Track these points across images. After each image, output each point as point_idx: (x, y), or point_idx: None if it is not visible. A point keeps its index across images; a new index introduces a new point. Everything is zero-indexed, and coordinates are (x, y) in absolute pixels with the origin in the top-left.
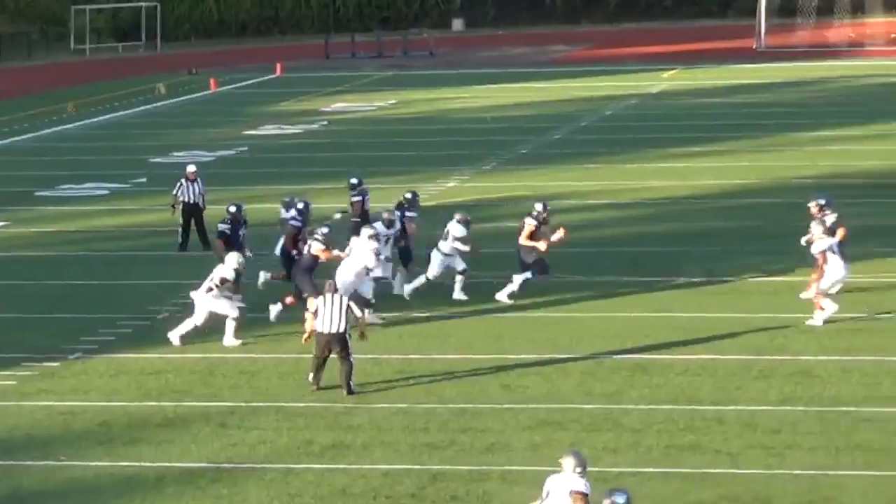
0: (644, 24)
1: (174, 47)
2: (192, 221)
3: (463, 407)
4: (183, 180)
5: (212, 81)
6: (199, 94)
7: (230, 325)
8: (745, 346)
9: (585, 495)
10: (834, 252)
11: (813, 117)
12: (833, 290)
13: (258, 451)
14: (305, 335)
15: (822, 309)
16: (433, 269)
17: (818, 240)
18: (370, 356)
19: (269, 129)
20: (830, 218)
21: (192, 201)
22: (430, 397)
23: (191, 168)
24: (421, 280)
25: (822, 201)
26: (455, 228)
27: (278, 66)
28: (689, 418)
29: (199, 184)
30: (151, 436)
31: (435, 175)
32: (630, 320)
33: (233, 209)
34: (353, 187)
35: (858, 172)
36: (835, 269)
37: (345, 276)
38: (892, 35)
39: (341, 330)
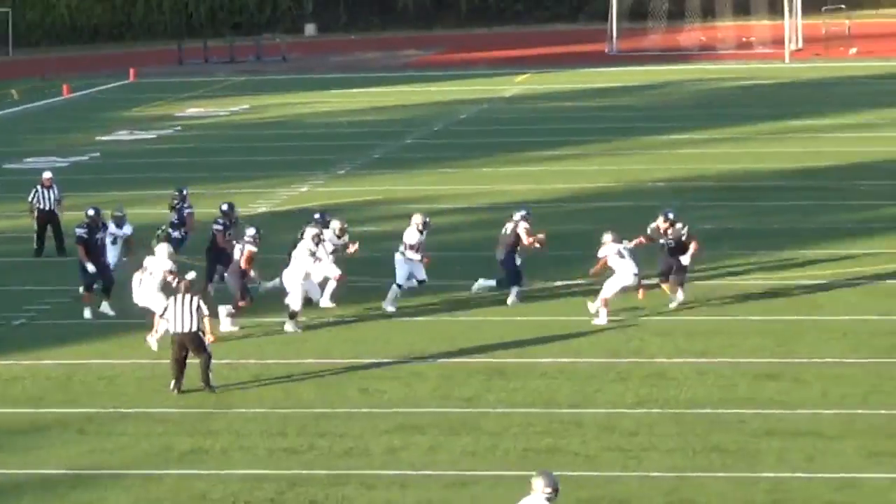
0: (496, 28)
1: (26, 53)
2: (49, 227)
3: (321, 411)
4: (38, 186)
5: (65, 87)
6: (52, 100)
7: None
8: (602, 348)
9: None
10: (623, 257)
11: (665, 120)
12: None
13: (117, 458)
14: (157, 335)
15: (602, 308)
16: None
17: (605, 245)
18: (227, 361)
19: (122, 135)
20: (680, 231)
21: (47, 208)
22: (288, 402)
23: (46, 175)
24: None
25: (671, 215)
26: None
27: (131, 72)
28: (546, 421)
29: (55, 190)
30: (9, 443)
31: (289, 180)
32: (486, 324)
33: (91, 213)
34: (182, 199)
35: (710, 175)
36: (624, 274)
37: (291, 278)
38: (743, 38)
39: (194, 329)
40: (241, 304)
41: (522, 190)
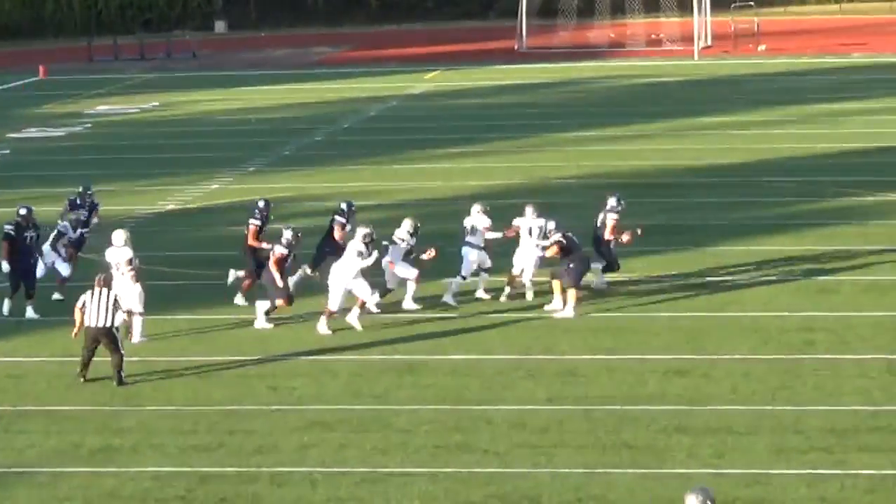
0: (405, 25)
1: None
2: None
3: (231, 409)
4: None
5: None
6: None
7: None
8: (513, 345)
9: None
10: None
11: (575, 117)
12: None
13: (26, 455)
14: (75, 330)
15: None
16: (466, 267)
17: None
18: (137, 359)
19: (32, 132)
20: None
21: None
22: (198, 399)
23: None
24: (457, 280)
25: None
26: (479, 220)
27: (41, 69)
28: (457, 418)
29: None
30: None
31: (198, 177)
32: (399, 321)
33: (23, 211)
34: (85, 196)
35: (621, 172)
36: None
37: (340, 275)
38: (653, 36)
39: (108, 324)
40: (279, 302)
41: (433, 187)
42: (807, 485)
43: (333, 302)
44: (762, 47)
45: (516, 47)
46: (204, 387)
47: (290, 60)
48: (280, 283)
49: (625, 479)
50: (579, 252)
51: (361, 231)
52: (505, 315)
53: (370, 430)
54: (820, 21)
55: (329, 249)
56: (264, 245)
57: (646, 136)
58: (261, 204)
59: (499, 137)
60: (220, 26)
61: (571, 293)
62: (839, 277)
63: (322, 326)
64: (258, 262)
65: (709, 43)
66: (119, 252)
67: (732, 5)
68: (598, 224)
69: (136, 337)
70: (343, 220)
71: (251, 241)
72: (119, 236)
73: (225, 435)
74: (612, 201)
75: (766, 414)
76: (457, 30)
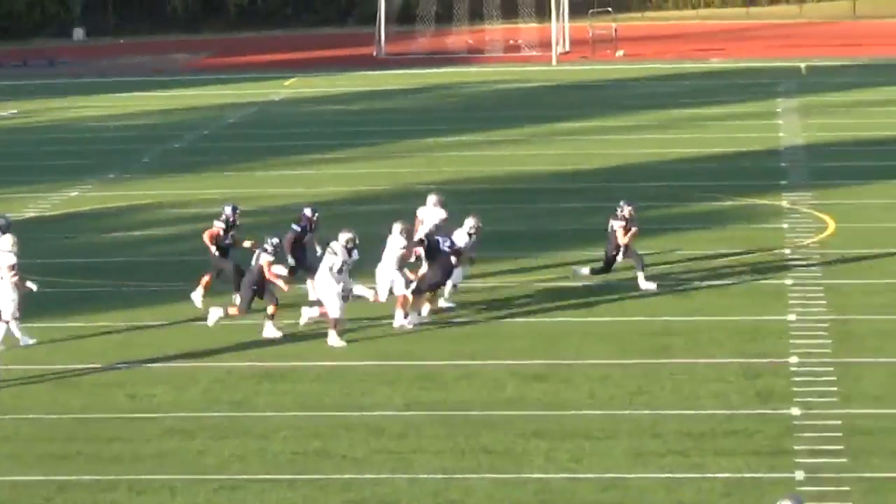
0: (265, 32)
1: None
2: None
3: (89, 417)
4: None
5: None
6: None
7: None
8: (371, 351)
9: None
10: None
11: (435, 123)
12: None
13: None
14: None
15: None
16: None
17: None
18: None
19: None
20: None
21: None
22: (55, 407)
23: None
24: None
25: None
26: (435, 213)
27: None
28: (315, 424)
29: None
30: None
31: (58, 185)
32: (255, 328)
33: None
34: None
35: (481, 178)
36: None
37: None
38: (511, 41)
39: None
40: (231, 310)
41: (294, 193)
42: (664, 488)
43: (333, 310)
44: (620, 53)
45: (375, 54)
46: (62, 395)
47: (150, 67)
48: (285, 288)
49: (483, 484)
50: (442, 259)
51: (344, 236)
52: (364, 321)
53: (228, 436)
54: (678, 26)
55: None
56: (244, 244)
57: (506, 142)
58: (227, 210)
59: (359, 143)
60: (78, 33)
61: (412, 299)
62: (696, 282)
63: (333, 339)
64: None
65: (567, 49)
66: (3, 257)
67: (590, 11)
68: (609, 230)
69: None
70: (297, 228)
71: (206, 241)
72: (6, 241)
73: (83, 443)
74: (621, 208)
75: (624, 418)
76: (316, 36)
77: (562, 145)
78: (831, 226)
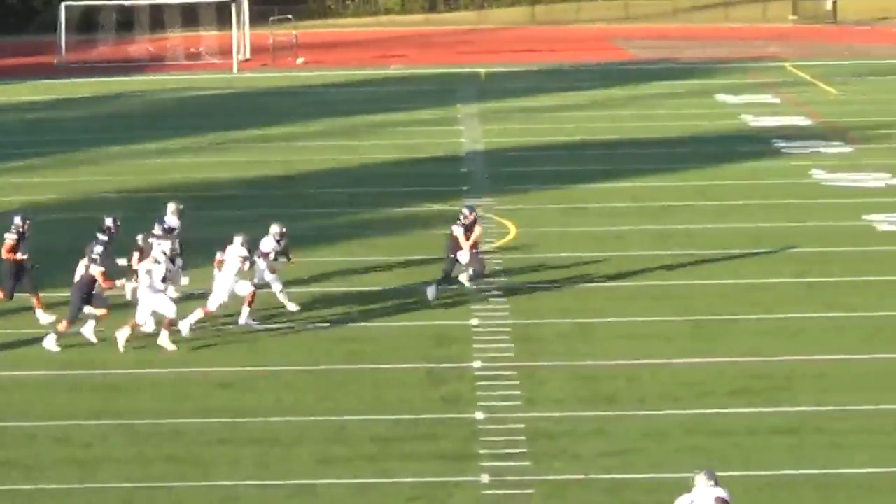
0: None
1: None
2: None
3: None
4: None
5: None
6: None
7: None
8: (54, 360)
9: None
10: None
11: (115, 131)
12: None
13: None
14: None
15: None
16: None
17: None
18: None
19: None
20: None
21: None
22: None
23: None
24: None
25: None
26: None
27: None
28: None
29: None
30: None
31: None
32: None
33: None
34: None
35: (163, 185)
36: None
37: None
38: (192, 49)
39: None
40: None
41: None
42: (352, 493)
43: (168, 311)
44: (301, 60)
45: (56, 62)
46: None
47: None
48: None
49: (170, 492)
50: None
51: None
52: (37, 331)
53: None
54: (358, 33)
55: None
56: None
57: (190, 149)
58: (17, 220)
59: (36, 153)
60: None
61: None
62: (381, 288)
63: (164, 340)
64: (17, 275)
65: (248, 56)
66: None
67: (271, 19)
68: (450, 236)
69: None
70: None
71: (5, 255)
72: None
73: None
74: (465, 216)
75: (310, 424)
76: None
77: (243, 153)
78: (513, 230)
